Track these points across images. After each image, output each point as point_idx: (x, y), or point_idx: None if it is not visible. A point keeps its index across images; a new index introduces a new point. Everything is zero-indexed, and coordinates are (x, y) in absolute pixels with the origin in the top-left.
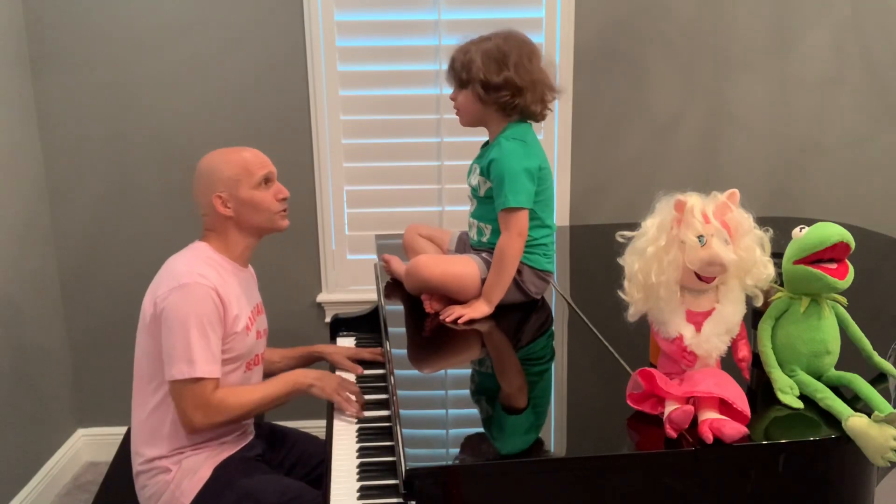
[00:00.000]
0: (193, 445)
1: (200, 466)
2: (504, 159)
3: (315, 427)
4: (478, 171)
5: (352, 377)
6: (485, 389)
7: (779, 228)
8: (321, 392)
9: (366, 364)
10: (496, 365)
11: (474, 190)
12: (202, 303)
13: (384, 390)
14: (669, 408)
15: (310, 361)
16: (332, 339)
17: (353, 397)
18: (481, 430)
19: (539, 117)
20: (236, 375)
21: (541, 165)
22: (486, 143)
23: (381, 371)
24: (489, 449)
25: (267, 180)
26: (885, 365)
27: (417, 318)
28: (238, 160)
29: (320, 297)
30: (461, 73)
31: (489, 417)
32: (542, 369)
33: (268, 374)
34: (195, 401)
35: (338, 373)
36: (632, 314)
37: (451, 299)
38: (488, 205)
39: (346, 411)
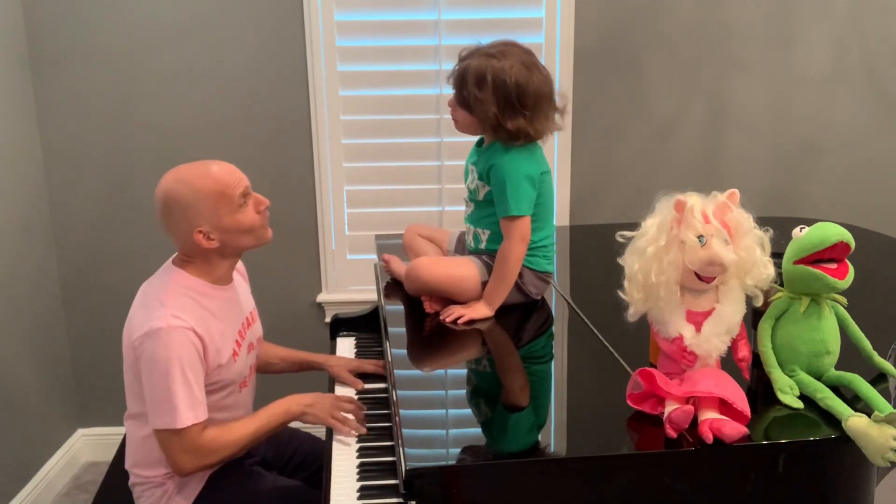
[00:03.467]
0: None
1: (195, 475)
2: (505, 166)
3: (316, 427)
4: (475, 174)
5: (352, 392)
6: (485, 389)
7: (779, 228)
8: (315, 419)
9: (368, 377)
10: (496, 365)
11: (472, 193)
12: (179, 347)
13: (385, 405)
14: (669, 408)
15: (308, 369)
16: (332, 339)
17: (350, 416)
18: (481, 430)
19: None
20: (232, 398)
21: (542, 170)
22: (480, 142)
23: (382, 385)
24: (489, 449)
25: (244, 195)
26: (885, 365)
27: (417, 318)
28: (211, 187)
29: (320, 297)
30: (470, 101)
31: (489, 417)
32: (542, 369)
33: (264, 374)
34: (182, 447)
35: (336, 387)
36: (632, 314)
37: (450, 300)
38: (486, 208)
39: (343, 433)
